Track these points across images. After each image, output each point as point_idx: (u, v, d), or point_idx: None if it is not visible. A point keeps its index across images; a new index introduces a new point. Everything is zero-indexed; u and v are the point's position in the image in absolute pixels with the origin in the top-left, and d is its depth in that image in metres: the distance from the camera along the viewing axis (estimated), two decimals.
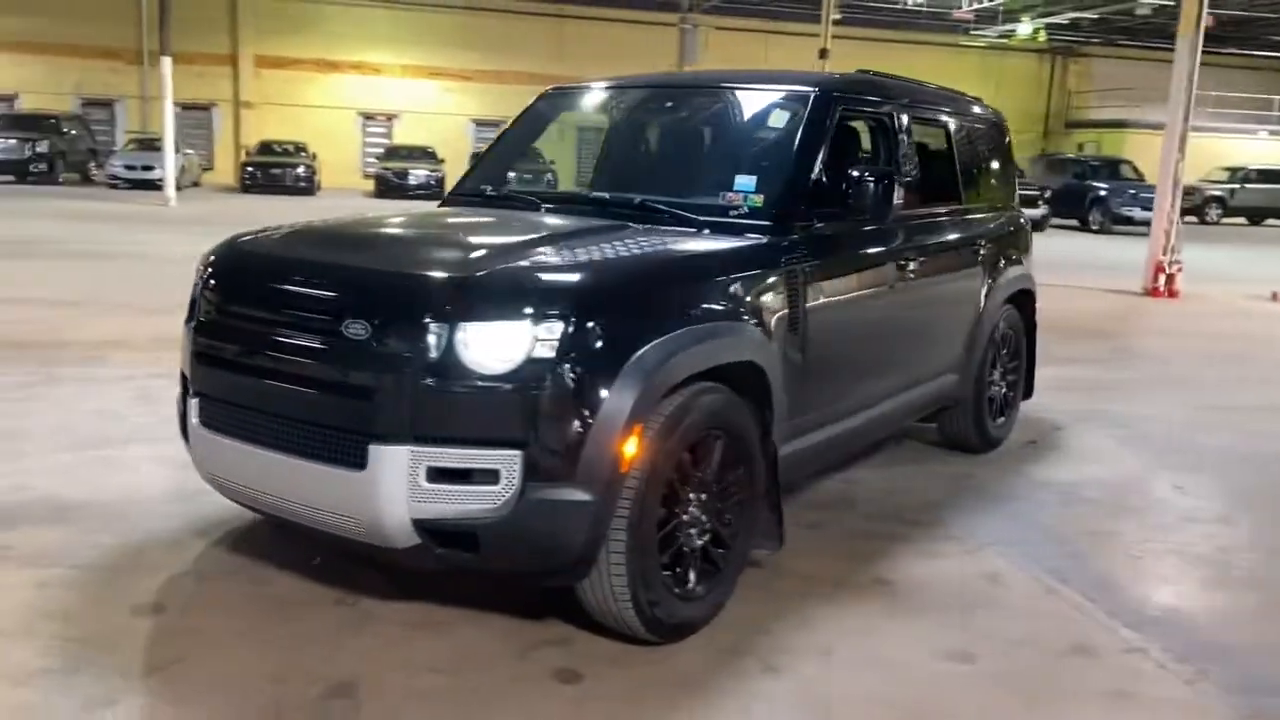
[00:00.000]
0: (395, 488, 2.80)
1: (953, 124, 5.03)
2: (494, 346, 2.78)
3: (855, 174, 3.78)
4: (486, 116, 31.71)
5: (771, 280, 3.50)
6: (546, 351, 2.78)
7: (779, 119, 4.08)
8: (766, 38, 33.03)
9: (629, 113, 4.64)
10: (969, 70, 36.23)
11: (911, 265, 4.35)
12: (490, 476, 2.79)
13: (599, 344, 2.84)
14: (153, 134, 26.71)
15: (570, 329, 2.80)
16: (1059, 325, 10.17)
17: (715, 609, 3.30)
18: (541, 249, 3.28)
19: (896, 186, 3.92)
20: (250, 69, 31.88)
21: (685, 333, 3.05)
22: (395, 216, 4.06)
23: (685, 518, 3.16)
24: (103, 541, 3.78)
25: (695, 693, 2.91)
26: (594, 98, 4.71)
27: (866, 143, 4.51)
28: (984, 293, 5.12)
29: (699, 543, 3.22)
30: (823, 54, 22.43)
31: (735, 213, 3.73)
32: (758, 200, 3.77)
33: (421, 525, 2.84)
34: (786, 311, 3.54)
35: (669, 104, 4.56)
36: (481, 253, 3.21)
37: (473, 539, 2.84)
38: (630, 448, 2.85)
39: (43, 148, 25.85)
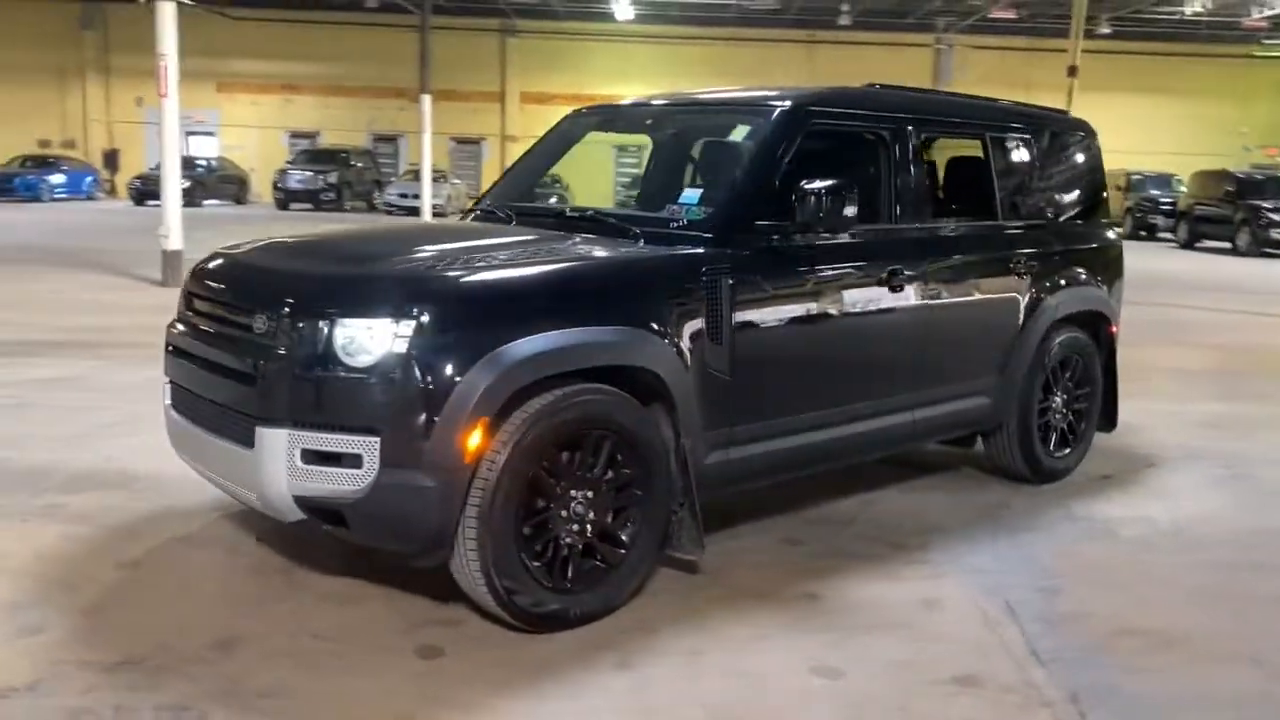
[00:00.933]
0: (276, 466, 3.14)
1: (991, 138, 4.84)
2: (359, 341, 3.07)
3: (802, 187, 3.79)
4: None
5: (687, 290, 3.57)
6: (402, 347, 3.04)
7: (739, 135, 4.14)
8: (1027, 56, 31.56)
9: (624, 131, 4.78)
10: (1261, 85, 33.12)
11: (907, 280, 4.25)
12: (354, 460, 3.08)
13: (450, 342, 3.07)
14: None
15: (423, 327, 3.05)
16: (1243, 358, 9.30)
17: (605, 606, 3.41)
18: (434, 256, 3.54)
19: (850, 199, 3.85)
20: (515, 104, 34.09)
21: (554, 335, 3.20)
22: (369, 229, 4.41)
23: (564, 513, 3.30)
24: (138, 508, 4.38)
25: (535, 678, 3.05)
26: (602, 117, 4.89)
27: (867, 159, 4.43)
28: (1026, 312, 4.86)
29: (579, 539, 3.34)
30: (1071, 71, 21.21)
31: (675, 225, 3.84)
32: (698, 213, 3.86)
33: (300, 501, 3.16)
34: (705, 322, 3.60)
35: (653, 122, 4.68)
36: (371, 259, 3.51)
37: (342, 517, 3.13)
38: (475, 440, 3.05)
39: (332, 179, 28.92)
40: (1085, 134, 5.52)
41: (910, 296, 4.31)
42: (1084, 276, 5.25)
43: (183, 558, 3.92)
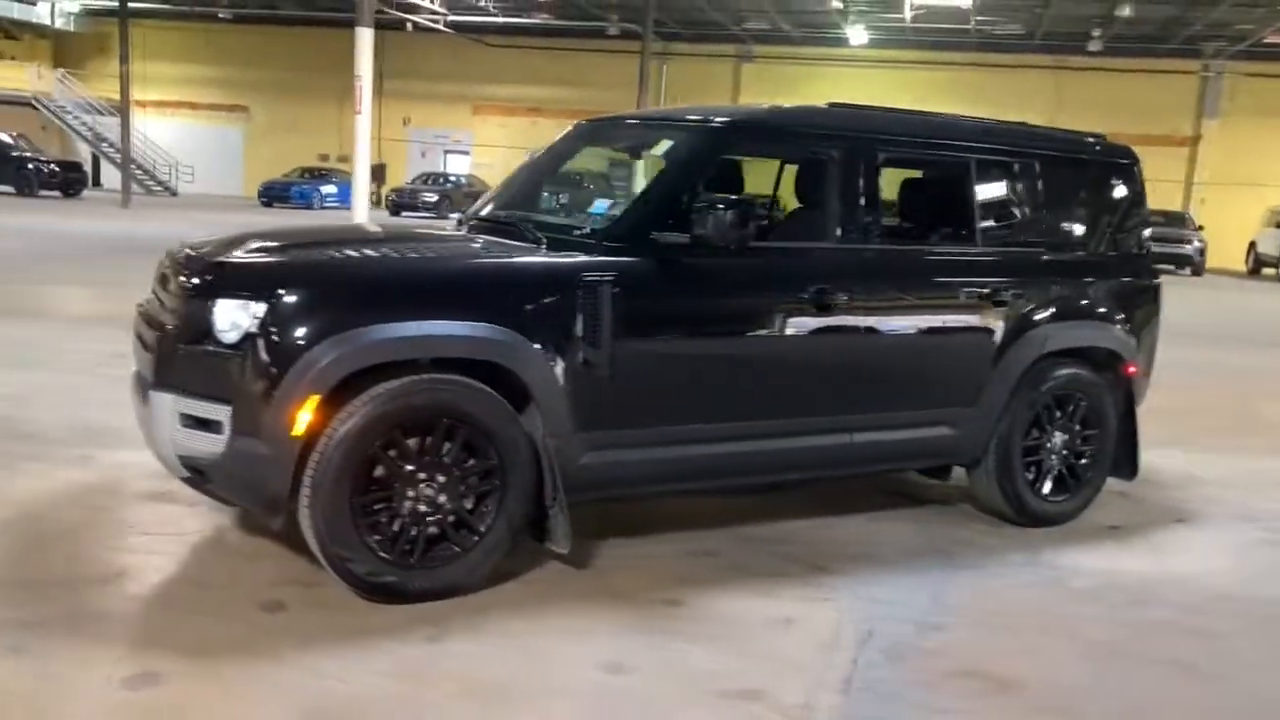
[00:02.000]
0: (165, 427, 3.58)
1: (975, 162, 4.66)
2: (224, 319, 3.46)
3: (700, 203, 3.87)
4: None
5: (562, 294, 3.73)
6: (255, 327, 3.40)
7: (668, 151, 4.23)
8: None
9: (603, 145, 4.96)
10: None
11: (839, 301, 4.20)
12: (216, 426, 3.47)
13: (295, 325, 3.39)
14: None
15: (273, 309, 3.40)
16: None
17: (449, 586, 3.62)
18: (316, 248, 3.85)
19: (752, 216, 3.88)
20: None
21: (397, 325, 3.46)
22: (316, 225, 4.75)
23: (410, 494, 3.54)
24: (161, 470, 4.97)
25: (341, 639, 3.29)
26: (591, 131, 5.05)
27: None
28: (1003, 343, 4.64)
29: (427, 521, 3.57)
30: None
31: (578, 233, 4.01)
32: (599, 222, 4.01)
33: (182, 460, 3.58)
34: (583, 326, 3.74)
35: (617, 137, 4.81)
36: (265, 248, 3.86)
37: (206, 475, 3.53)
38: (306, 415, 3.36)
39: (563, 199, 30.03)
40: (1120, 162, 5.18)
41: (843, 318, 4.25)
42: (1093, 310, 4.94)
43: (169, 517, 4.38)
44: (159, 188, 35.18)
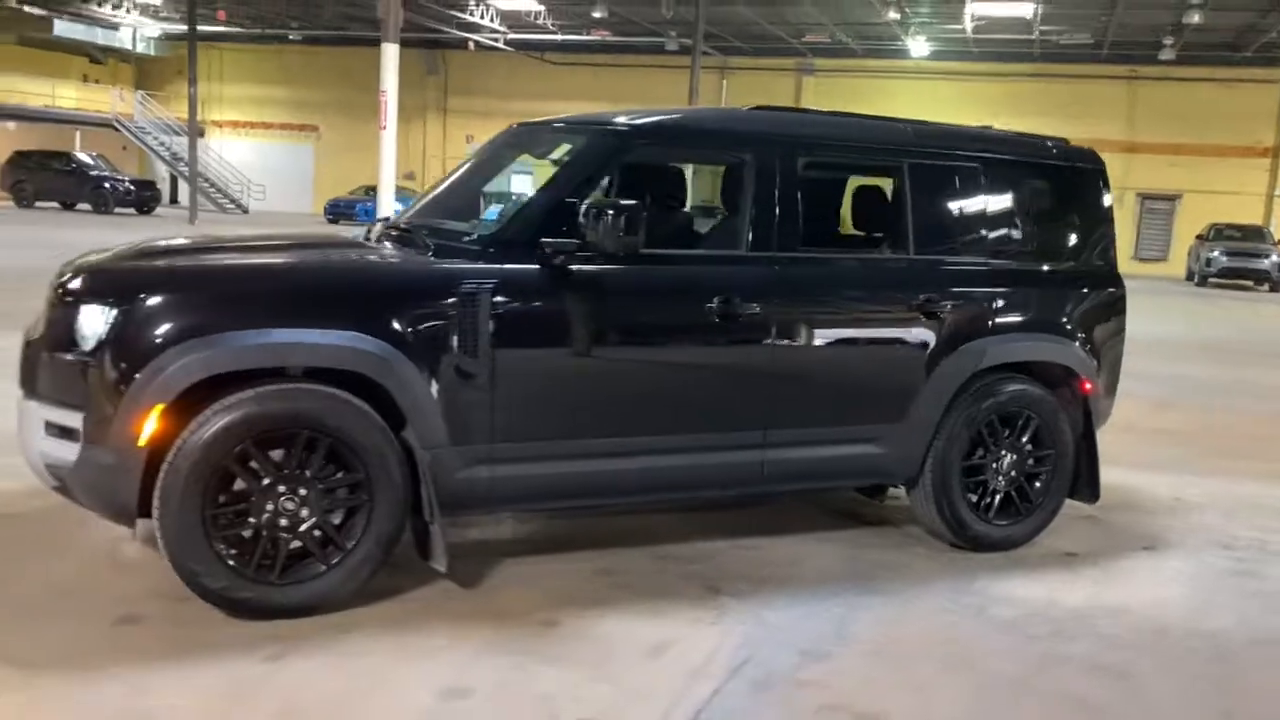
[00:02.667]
0: (32, 435, 3.54)
1: (910, 166, 4.43)
2: (80, 327, 3.41)
3: (589, 208, 3.72)
4: None
5: (437, 302, 3.61)
6: (106, 334, 3.34)
7: (567, 154, 4.09)
8: None
9: (527, 151, 4.81)
10: None
11: (746, 312, 4.01)
12: (72, 434, 3.42)
13: (142, 333, 3.32)
14: None
15: (122, 317, 3.33)
16: None
17: (312, 603, 3.51)
18: (185, 258, 3.76)
19: (640, 220, 3.71)
20: None
21: (246, 334, 3.36)
22: (241, 234, 4.64)
23: (269, 507, 3.45)
24: None
25: (176, 654, 3.20)
26: (515, 137, 4.90)
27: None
28: (935, 356, 4.39)
29: (288, 535, 3.47)
30: None
31: (466, 239, 3.89)
32: (488, 228, 3.89)
33: (48, 469, 3.54)
34: (459, 335, 3.62)
35: (533, 141, 4.67)
36: (134, 256, 3.79)
37: (65, 484, 3.48)
38: (150, 425, 3.28)
39: None
40: (1080, 167, 4.90)
41: (752, 329, 4.06)
42: (1042, 323, 4.66)
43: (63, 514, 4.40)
44: (231, 205, 36.08)
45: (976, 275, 4.54)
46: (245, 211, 35.95)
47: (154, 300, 3.39)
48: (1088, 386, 4.73)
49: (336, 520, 3.58)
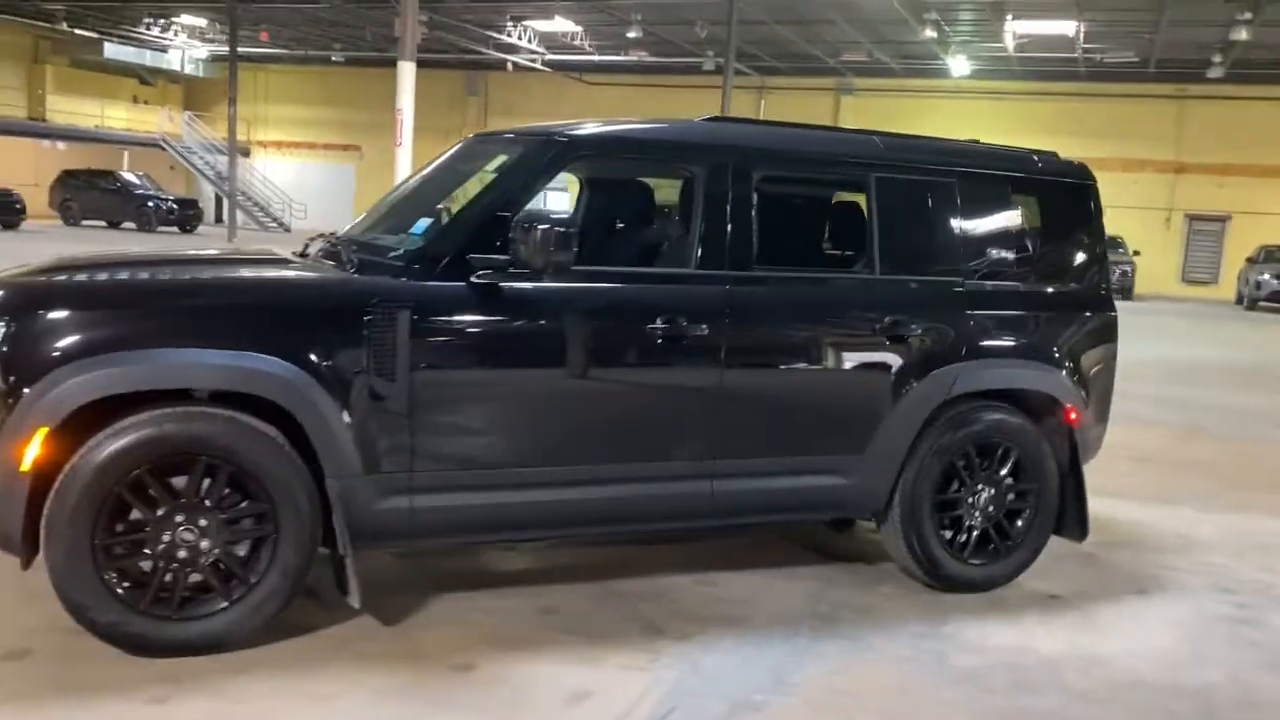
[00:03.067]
0: None
1: (876, 181, 4.16)
2: None
3: (517, 223, 3.51)
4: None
5: (348, 321, 3.40)
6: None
7: (502, 166, 3.88)
8: None
9: (464, 160, 4.54)
10: None
11: (693, 334, 3.76)
12: None
13: (30, 351, 3.14)
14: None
15: (9, 336, 3.16)
16: None
17: (212, 640, 3.30)
18: (82, 274, 3.54)
19: (571, 236, 3.49)
20: None
21: (144, 354, 3.18)
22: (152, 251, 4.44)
23: (165, 537, 3.25)
24: None
25: (56, 694, 3.03)
26: (467, 147, 4.68)
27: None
28: (901, 382, 4.10)
29: (186, 568, 3.27)
30: None
31: (392, 255, 3.68)
32: (414, 243, 3.68)
33: None
34: (373, 356, 3.41)
35: (483, 152, 4.45)
36: (37, 272, 3.61)
37: None
38: (34, 449, 3.10)
39: None
40: (1068, 182, 4.59)
41: (696, 351, 3.80)
42: (1022, 348, 4.35)
43: None
44: (273, 223, 36.47)
45: (949, 297, 4.25)
46: (287, 230, 36.26)
47: (46, 316, 3.21)
48: (1074, 416, 4.41)
49: (241, 552, 3.37)
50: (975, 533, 4.32)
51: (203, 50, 38.61)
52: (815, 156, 4.20)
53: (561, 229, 3.47)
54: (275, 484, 3.31)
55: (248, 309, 3.39)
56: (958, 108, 31.24)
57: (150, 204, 31.72)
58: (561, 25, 28.59)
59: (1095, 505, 5.55)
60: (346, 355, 3.39)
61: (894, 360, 4.10)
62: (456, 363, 3.55)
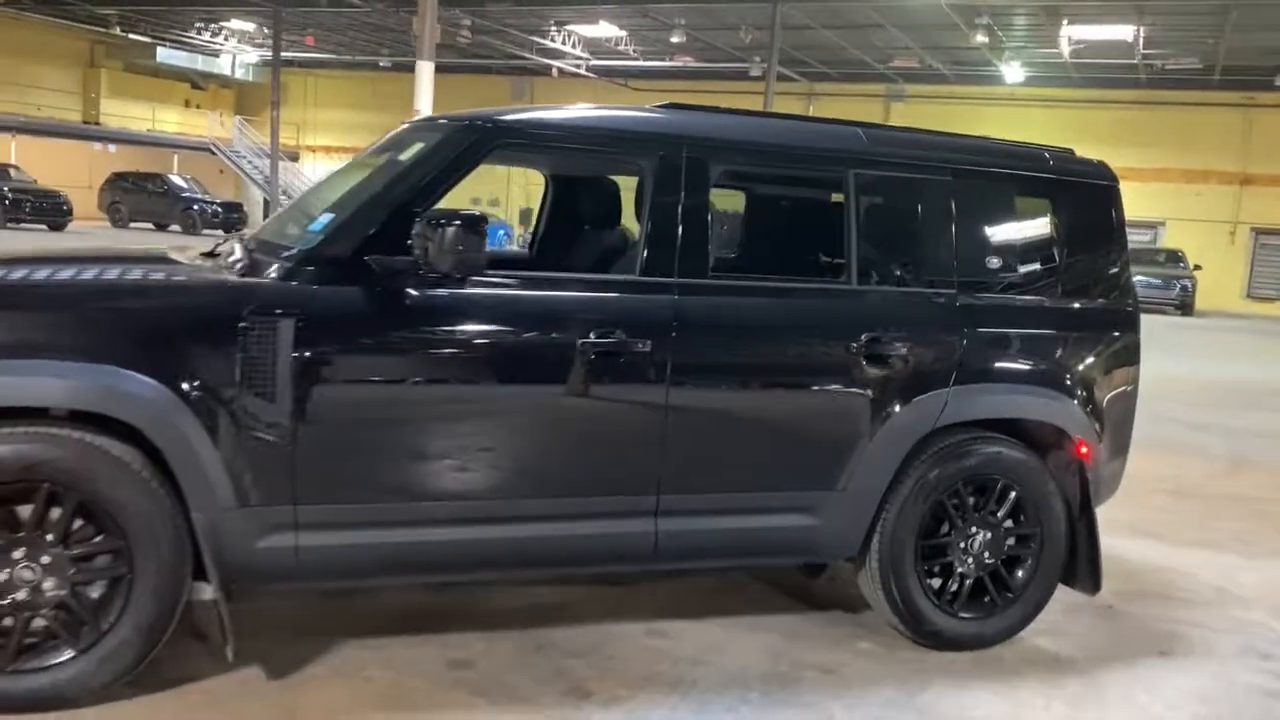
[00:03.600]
0: None
1: (855, 179, 3.63)
2: None
3: (422, 219, 3.04)
4: (1148, 218, 28.72)
5: (220, 330, 2.95)
6: None
7: (413, 154, 3.41)
8: None
9: (395, 148, 4.07)
10: None
11: (631, 350, 3.27)
12: None
13: None
14: None
15: None
16: None
17: (52, 695, 2.87)
18: None
19: (481, 234, 3.02)
20: None
21: None
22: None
23: (3, 574, 2.83)
24: None
25: None
26: (406, 133, 4.20)
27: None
28: (880, 408, 3.57)
29: (25, 613, 2.84)
30: None
31: (285, 254, 3.22)
32: (311, 240, 3.23)
33: None
34: (249, 370, 2.95)
35: (400, 142, 3.98)
36: None
37: None
38: None
39: None
40: (1087, 183, 4.03)
41: (637, 370, 3.31)
42: (1023, 371, 3.80)
43: None
44: None
45: (940, 312, 3.70)
46: None
47: None
48: (1085, 450, 3.83)
49: (95, 594, 2.94)
50: (968, 582, 3.76)
51: (253, 55, 38.86)
52: (784, 150, 3.67)
53: (471, 226, 3.00)
54: (129, 517, 2.87)
55: (104, 315, 2.95)
56: (1012, 115, 30.31)
57: (195, 207, 31.89)
58: (606, 31, 28.23)
59: (1120, 545, 5.01)
60: (218, 370, 2.94)
61: (873, 383, 3.56)
62: (350, 380, 3.08)
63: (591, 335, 3.24)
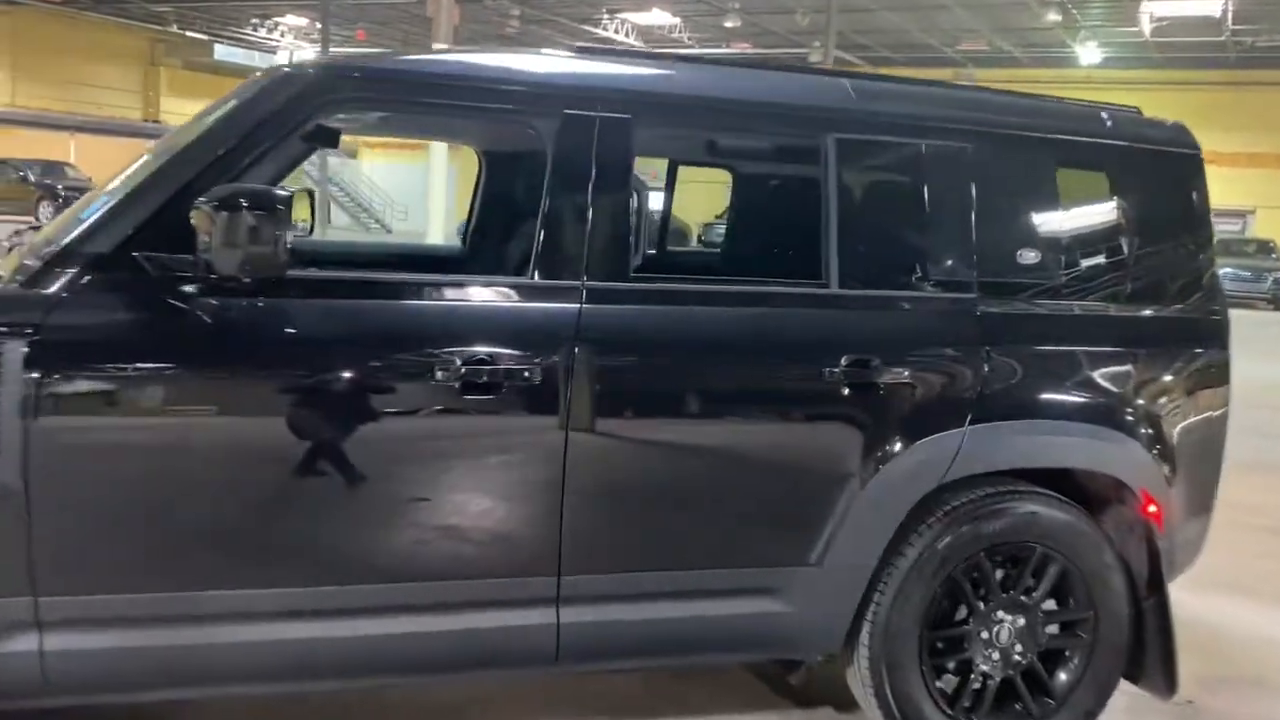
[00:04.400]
0: None
1: (837, 145, 2.70)
2: None
3: (205, 205, 2.18)
4: (1237, 206, 27.00)
5: None
6: None
7: (218, 117, 2.53)
8: None
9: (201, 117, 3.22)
10: None
11: (516, 379, 2.39)
12: None
13: None
14: None
15: None
16: None
17: None
18: None
19: (281, 223, 2.17)
20: None
21: None
22: None
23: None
24: None
25: None
26: None
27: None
28: (873, 455, 2.64)
29: None
30: None
31: (44, 251, 2.37)
32: (68, 234, 2.38)
33: None
34: None
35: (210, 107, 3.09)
36: None
37: None
38: None
39: None
40: (1162, 151, 3.05)
41: (524, 406, 2.43)
42: (1069, 402, 2.83)
43: None
44: (375, 224, 36.40)
45: (953, 324, 2.76)
46: (389, 231, 36.04)
47: None
48: (1155, 509, 2.85)
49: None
50: (992, 684, 2.81)
51: (309, 51, 38.66)
52: (738, 107, 2.74)
53: (265, 208, 2.15)
54: None
55: None
56: (1089, 99, 28.72)
57: None
58: (659, 18, 27.31)
59: (1203, 607, 4.00)
60: None
61: (858, 421, 2.63)
62: (103, 424, 2.24)
63: (456, 361, 2.36)
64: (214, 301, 2.25)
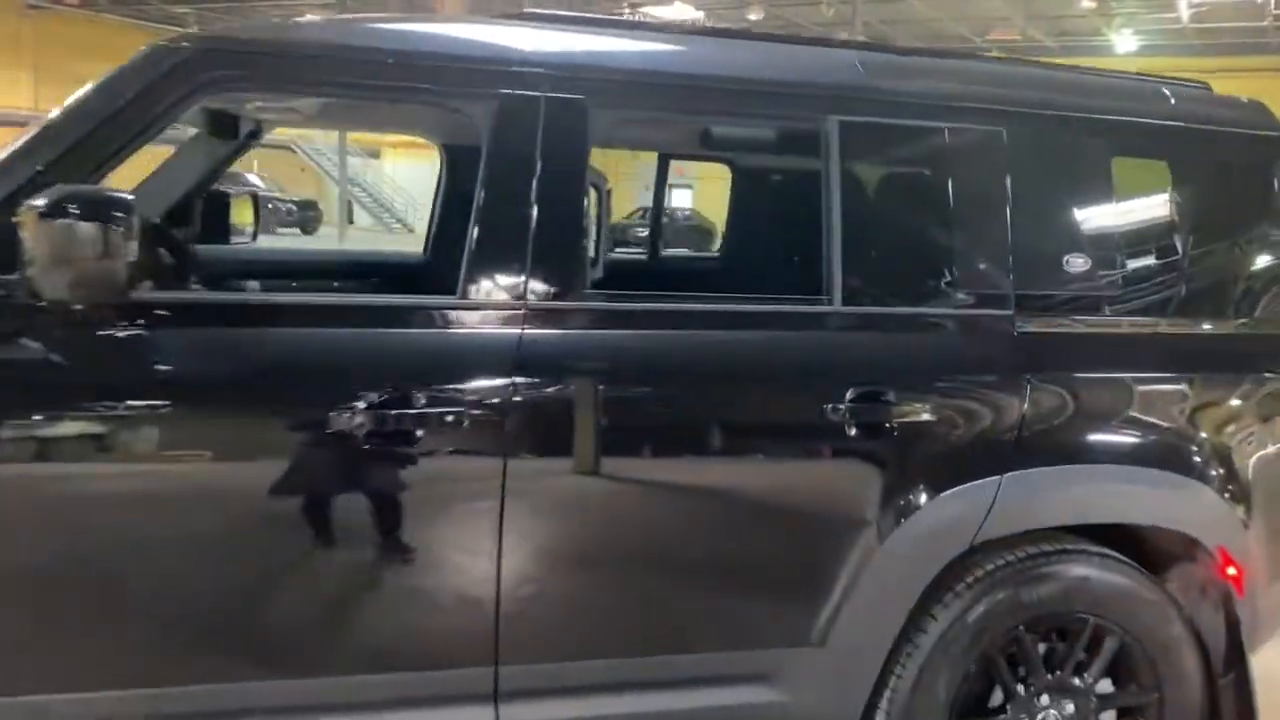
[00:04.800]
0: None
1: (841, 129, 2.21)
2: None
3: (35, 211, 1.73)
4: None
5: None
6: None
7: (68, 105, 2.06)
8: None
9: None
10: None
11: (448, 421, 1.93)
12: None
13: None
14: None
15: None
16: None
17: None
18: None
19: (128, 230, 1.71)
20: None
21: None
22: None
23: None
24: None
25: None
26: None
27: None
28: (884, 508, 2.15)
29: None
30: None
31: None
32: None
33: None
34: None
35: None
36: None
37: None
38: None
39: None
40: (1234, 135, 2.54)
41: (443, 458, 1.97)
42: (1128, 444, 2.33)
43: None
44: (397, 224, 36.29)
45: (985, 347, 2.27)
46: (410, 230, 35.84)
47: None
48: (1233, 571, 2.35)
49: None
50: None
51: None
52: (722, 85, 2.25)
53: (99, 214, 1.69)
54: None
55: None
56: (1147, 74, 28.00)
57: (270, 205, 31.57)
58: (680, 11, 26.82)
59: None
60: None
61: (869, 468, 2.17)
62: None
63: (361, 401, 1.90)
64: (33, 333, 1.79)
